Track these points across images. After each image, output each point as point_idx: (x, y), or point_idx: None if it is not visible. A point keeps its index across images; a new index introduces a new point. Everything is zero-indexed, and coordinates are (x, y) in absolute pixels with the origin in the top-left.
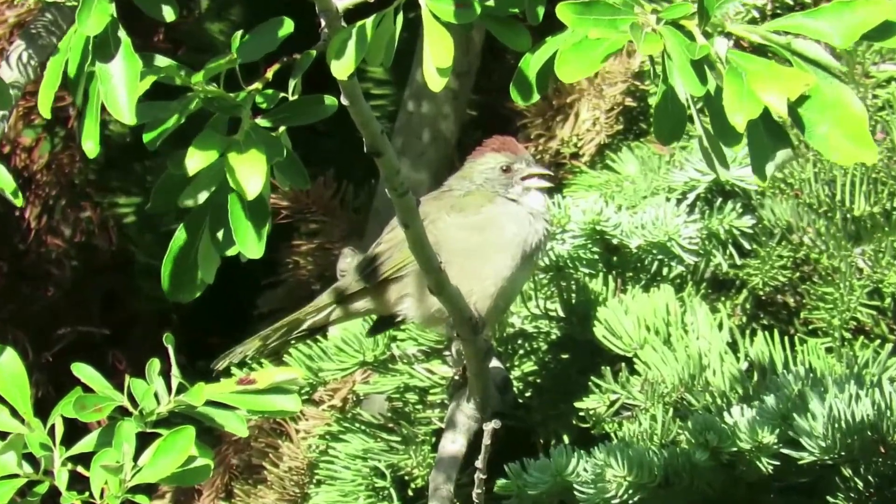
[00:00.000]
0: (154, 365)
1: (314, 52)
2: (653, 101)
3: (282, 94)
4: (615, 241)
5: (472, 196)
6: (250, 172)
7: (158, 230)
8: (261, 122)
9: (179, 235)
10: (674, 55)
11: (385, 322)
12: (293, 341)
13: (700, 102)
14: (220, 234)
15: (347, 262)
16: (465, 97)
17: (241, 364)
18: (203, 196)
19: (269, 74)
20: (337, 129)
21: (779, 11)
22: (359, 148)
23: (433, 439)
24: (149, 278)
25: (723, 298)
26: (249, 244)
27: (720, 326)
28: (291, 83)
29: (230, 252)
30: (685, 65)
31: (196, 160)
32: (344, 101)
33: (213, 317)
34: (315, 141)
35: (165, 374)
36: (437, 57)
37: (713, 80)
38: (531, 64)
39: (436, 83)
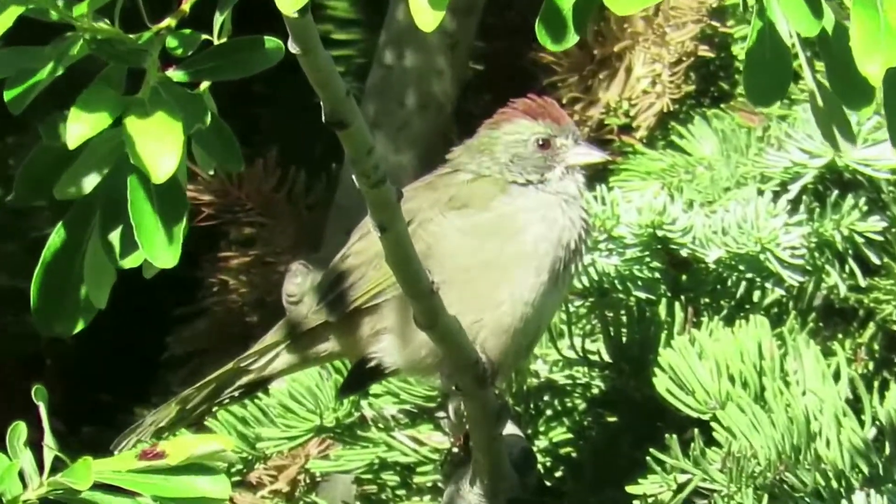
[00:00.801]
0: (18, 431)
1: None
2: (739, 49)
3: (204, 36)
4: (684, 253)
5: (479, 183)
6: (159, 145)
7: (24, 234)
8: (174, 74)
9: (56, 238)
10: None
11: (363, 372)
12: (226, 401)
13: (812, 47)
14: (115, 235)
15: (298, 282)
16: (468, 44)
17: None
18: (91, 180)
19: (186, 6)
20: (282, 89)
21: None
22: (315, 117)
23: None
24: (10, 304)
25: (840, 335)
26: (158, 248)
27: (836, 376)
28: (218, 21)
29: (130, 262)
30: None
31: (81, 127)
32: (293, 49)
33: (105, 362)
34: (251, 107)
35: (35, 444)
36: None
37: (831, 14)
38: None
39: (427, 22)
